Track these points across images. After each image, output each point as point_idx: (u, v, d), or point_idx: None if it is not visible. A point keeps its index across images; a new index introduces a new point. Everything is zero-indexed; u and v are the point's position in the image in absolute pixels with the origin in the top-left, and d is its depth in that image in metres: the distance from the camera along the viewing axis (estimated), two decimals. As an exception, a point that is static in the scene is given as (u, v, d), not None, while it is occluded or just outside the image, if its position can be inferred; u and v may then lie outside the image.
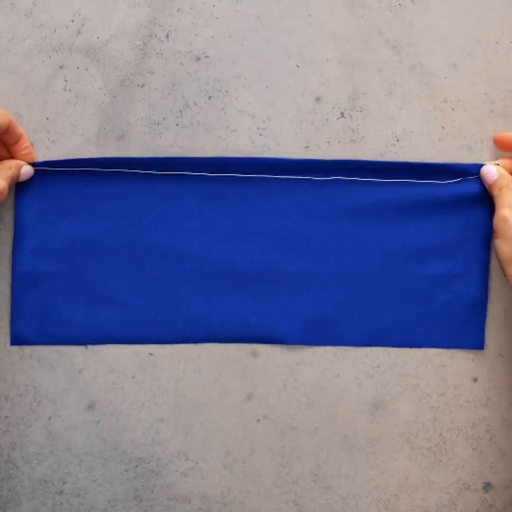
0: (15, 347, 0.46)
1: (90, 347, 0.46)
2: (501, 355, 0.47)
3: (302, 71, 0.46)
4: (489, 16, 0.46)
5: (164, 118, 0.46)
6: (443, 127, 0.46)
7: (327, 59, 0.46)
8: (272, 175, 0.46)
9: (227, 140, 0.46)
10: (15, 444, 0.46)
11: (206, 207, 0.46)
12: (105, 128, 0.45)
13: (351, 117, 0.46)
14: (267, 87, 0.46)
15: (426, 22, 0.46)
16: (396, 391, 0.47)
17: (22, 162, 0.44)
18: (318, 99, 0.46)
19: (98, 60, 0.45)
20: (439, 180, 0.45)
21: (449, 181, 0.45)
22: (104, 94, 0.45)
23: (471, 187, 0.45)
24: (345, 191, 0.46)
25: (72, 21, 0.45)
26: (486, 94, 0.46)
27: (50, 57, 0.45)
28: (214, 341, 0.46)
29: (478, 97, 0.46)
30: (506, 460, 0.47)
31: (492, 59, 0.46)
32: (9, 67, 0.45)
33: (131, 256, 0.46)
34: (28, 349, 0.46)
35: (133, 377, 0.46)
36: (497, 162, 0.45)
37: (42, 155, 0.45)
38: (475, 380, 0.47)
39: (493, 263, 0.47)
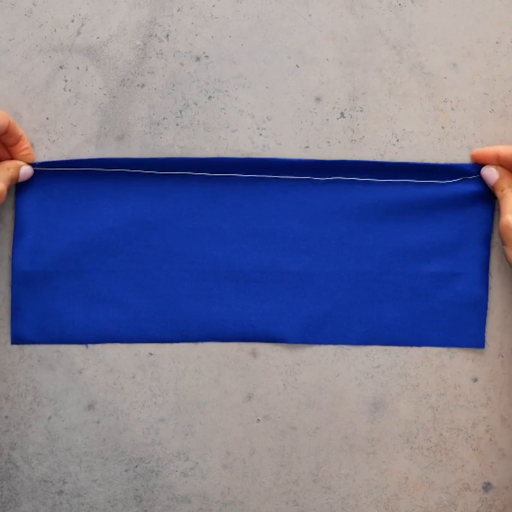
0: (15, 347, 0.46)
1: (90, 346, 0.46)
2: (501, 355, 0.47)
3: (302, 71, 0.46)
4: (489, 16, 0.46)
5: (164, 118, 0.46)
6: (443, 127, 0.46)
7: (327, 59, 0.46)
8: (272, 175, 0.46)
9: (227, 140, 0.46)
10: (15, 444, 0.46)
11: (206, 206, 0.46)
12: (105, 128, 0.45)
13: (351, 117, 0.46)
14: (267, 87, 0.46)
15: (426, 22, 0.46)
16: (396, 391, 0.47)
17: (21, 163, 0.44)
18: (318, 99, 0.46)
19: (98, 60, 0.45)
20: (439, 180, 0.45)
21: (449, 181, 0.45)
22: (104, 94, 0.45)
23: (471, 186, 0.45)
24: (345, 190, 0.46)
25: (72, 21, 0.45)
26: (486, 94, 0.46)
27: (50, 57, 0.45)
28: (214, 340, 0.46)
29: (478, 97, 0.46)
30: (506, 460, 0.47)
31: (492, 59, 0.46)
32: (9, 67, 0.45)
33: (131, 256, 0.46)
34: (28, 349, 0.46)
35: (133, 377, 0.46)
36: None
37: (42, 155, 0.45)
38: (475, 380, 0.47)
39: (493, 262, 0.47)
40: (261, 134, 0.46)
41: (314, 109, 0.46)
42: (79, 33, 0.45)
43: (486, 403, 0.47)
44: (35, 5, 0.45)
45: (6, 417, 0.46)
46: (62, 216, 0.45)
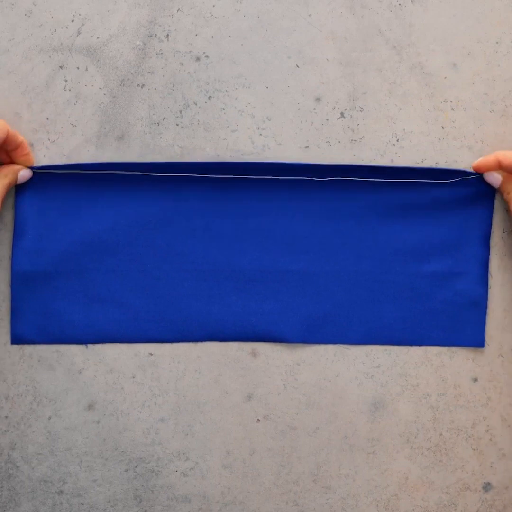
0: (15, 347, 0.46)
1: (90, 346, 0.46)
2: (501, 355, 0.47)
3: (302, 71, 0.46)
4: (489, 16, 0.46)
5: (164, 118, 0.46)
6: (443, 127, 0.46)
7: (327, 59, 0.46)
8: (271, 176, 0.46)
9: (227, 140, 0.46)
10: (15, 444, 0.46)
11: (206, 206, 0.46)
12: (105, 128, 0.45)
13: (351, 117, 0.46)
14: (267, 87, 0.46)
15: (426, 22, 0.46)
16: (396, 391, 0.47)
17: (19, 167, 0.44)
18: (318, 99, 0.46)
19: (98, 60, 0.45)
20: (438, 180, 0.45)
21: (449, 180, 0.45)
22: (104, 94, 0.45)
23: (471, 186, 0.45)
24: (345, 190, 0.46)
25: (72, 21, 0.45)
26: (486, 94, 0.46)
27: (50, 57, 0.45)
28: (214, 340, 0.46)
29: (478, 97, 0.46)
30: (506, 460, 0.47)
31: (492, 59, 0.46)
32: (9, 67, 0.45)
33: (131, 255, 0.46)
34: (28, 349, 0.46)
35: (133, 377, 0.46)
36: None
37: (42, 155, 0.45)
38: (475, 380, 0.47)
39: (493, 262, 0.47)
40: (261, 134, 0.46)
41: (314, 109, 0.46)
42: (79, 33, 0.45)
43: (486, 403, 0.47)
44: (35, 5, 0.45)
45: (6, 417, 0.46)
46: (62, 216, 0.45)
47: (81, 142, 0.45)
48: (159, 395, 0.47)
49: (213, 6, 0.45)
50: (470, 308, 0.46)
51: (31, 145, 0.45)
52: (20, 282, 0.45)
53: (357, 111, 0.46)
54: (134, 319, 0.46)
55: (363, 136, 0.46)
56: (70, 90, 0.45)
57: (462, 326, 0.46)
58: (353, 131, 0.46)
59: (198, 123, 0.46)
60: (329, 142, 0.46)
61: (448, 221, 0.46)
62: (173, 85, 0.45)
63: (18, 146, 0.43)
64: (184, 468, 0.47)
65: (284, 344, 0.47)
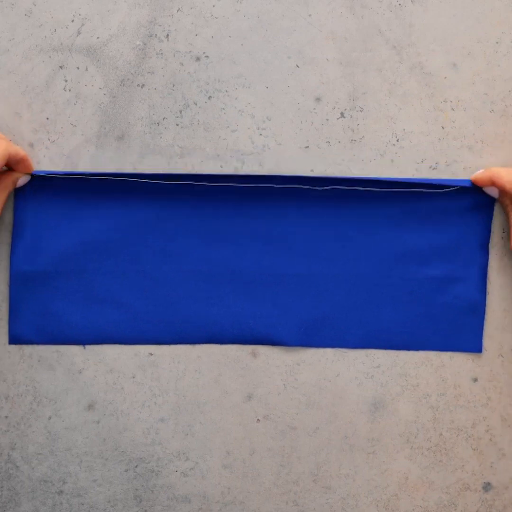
0: (15, 347, 0.46)
1: (90, 347, 0.46)
2: (501, 356, 0.47)
3: (302, 71, 0.46)
4: (489, 16, 0.46)
5: (164, 118, 0.46)
6: (443, 127, 0.46)
7: (327, 59, 0.46)
8: (271, 184, 0.45)
9: (227, 140, 0.46)
10: (15, 444, 0.46)
11: (205, 209, 0.46)
12: (105, 128, 0.45)
13: (351, 117, 0.46)
14: (267, 87, 0.46)
15: (426, 22, 0.46)
16: (396, 391, 0.47)
17: (18, 175, 0.44)
18: (318, 99, 0.46)
19: (98, 60, 0.45)
20: (438, 190, 0.45)
21: (447, 189, 0.45)
22: (104, 94, 0.45)
23: (470, 191, 0.45)
24: (344, 194, 0.46)
25: (72, 21, 0.45)
26: (486, 94, 0.46)
27: (50, 57, 0.45)
28: (213, 343, 0.46)
29: (478, 97, 0.46)
30: (506, 460, 0.47)
31: (492, 59, 0.46)
32: (9, 67, 0.45)
33: (130, 256, 0.46)
34: (28, 349, 0.46)
35: (133, 377, 0.46)
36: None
37: (42, 155, 0.45)
38: (475, 380, 0.47)
39: (493, 262, 0.47)
40: (261, 134, 0.46)
41: (314, 109, 0.46)
42: (79, 33, 0.45)
43: (486, 403, 0.47)
44: (35, 5, 0.45)
45: (6, 417, 0.46)
46: (61, 217, 0.45)
47: (81, 142, 0.45)
48: (159, 395, 0.47)
49: (213, 6, 0.45)
50: (468, 314, 0.46)
51: (31, 145, 0.45)
52: (19, 282, 0.45)
53: (357, 111, 0.46)
54: (133, 320, 0.46)
55: (363, 136, 0.46)
56: (70, 90, 0.45)
57: (460, 331, 0.46)
58: (353, 131, 0.46)
59: (198, 123, 0.46)
60: (329, 142, 0.46)
61: (447, 226, 0.46)
62: (173, 85, 0.45)
63: (19, 161, 0.43)
64: (184, 468, 0.47)
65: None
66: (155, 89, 0.45)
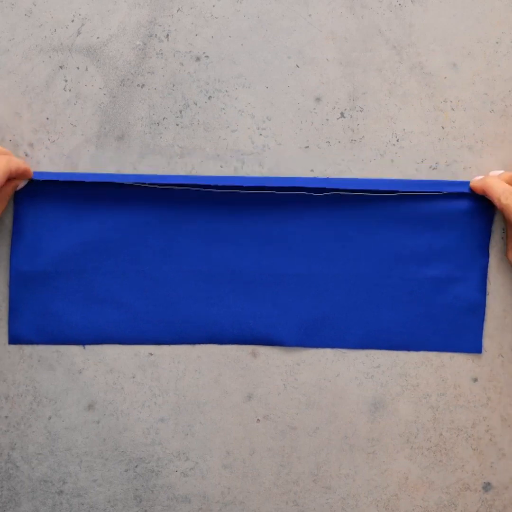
0: (15, 347, 0.46)
1: (90, 347, 0.46)
2: (501, 356, 0.47)
3: (302, 71, 0.46)
4: (489, 16, 0.46)
5: (164, 118, 0.46)
6: (443, 127, 0.46)
7: (327, 59, 0.46)
8: (271, 190, 0.45)
9: (227, 140, 0.46)
10: (15, 444, 0.46)
11: (205, 208, 0.46)
12: (105, 128, 0.45)
13: (351, 117, 0.46)
14: (267, 87, 0.46)
15: (426, 22, 0.46)
16: (396, 391, 0.47)
17: (17, 182, 0.44)
18: (318, 99, 0.46)
19: (98, 60, 0.45)
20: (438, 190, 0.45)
21: (447, 192, 0.45)
22: (104, 94, 0.45)
23: (470, 192, 0.45)
24: (344, 195, 0.46)
25: (72, 21, 0.45)
26: (486, 94, 0.46)
27: (50, 57, 0.45)
28: (213, 343, 0.46)
29: (478, 97, 0.46)
30: (506, 460, 0.47)
31: (492, 59, 0.46)
32: (9, 67, 0.45)
33: (130, 257, 0.46)
34: (28, 349, 0.46)
35: (133, 377, 0.46)
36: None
37: (42, 155, 0.45)
38: (475, 380, 0.47)
39: (493, 262, 0.47)
40: (261, 134, 0.46)
41: (314, 109, 0.46)
42: (79, 33, 0.45)
43: (486, 403, 0.47)
44: (35, 5, 0.45)
45: (6, 417, 0.46)
46: (61, 217, 0.45)
47: (81, 142, 0.45)
48: (159, 395, 0.47)
49: (213, 6, 0.45)
50: (468, 314, 0.46)
51: (31, 145, 0.45)
52: (19, 282, 0.45)
53: (357, 111, 0.46)
54: (133, 320, 0.46)
55: (363, 136, 0.46)
56: (70, 90, 0.45)
57: (460, 332, 0.46)
58: (353, 131, 0.46)
59: (198, 123, 0.46)
60: (329, 142, 0.46)
61: (447, 225, 0.46)
62: (173, 85, 0.45)
63: (20, 174, 0.43)
64: (184, 468, 0.47)
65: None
66: (155, 89, 0.45)
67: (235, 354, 0.47)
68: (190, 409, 0.47)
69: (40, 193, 0.45)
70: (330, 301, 0.46)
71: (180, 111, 0.46)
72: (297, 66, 0.46)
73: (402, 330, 0.46)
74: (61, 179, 0.44)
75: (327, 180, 0.45)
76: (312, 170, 0.46)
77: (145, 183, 0.45)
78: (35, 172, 0.44)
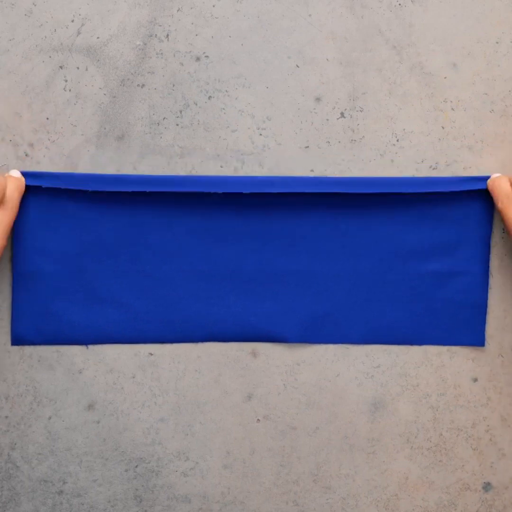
0: (15, 347, 0.46)
1: (90, 347, 0.46)
2: (501, 355, 0.47)
3: (302, 71, 0.46)
4: (489, 16, 0.46)
5: (164, 118, 0.46)
6: (443, 127, 0.46)
7: (327, 59, 0.46)
8: (271, 190, 0.45)
9: (227, 140, 0.46)
10: (15, 444, 0.46)
11: (205, 207, 0.46)
12: (105, 128, 0.45)
13: (351, 117, 0.46)
14: (267, 87, 0.46)
15: (426, 22, 0.46)
16: (396, 391, 0.47)
17: (21, 189, 0.43)
18: (318, 99, 0.46)
19: (98, 60, 0.45)
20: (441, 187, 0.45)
21: (449, 178, 0.45)
22: (104, 94, 0.45)
23: (471, 185, 0.45)
24: (345, 193, 0.46)
25: (72, 21, 0.45)
26: (486, 94, 0.46)
27: (50, 57, 0.45)
28: (214, 341, 0.46)
29: (478, 97, 0.46)
30: (506, 460, 0.47)
31: (492, 59, 0.46)
32: (9, 67, 0.45)
33: (130, 256, 0.46)
34: (28, 349, 0.46)
35: (133, 377, 0.46)
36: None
37: (42, 155, 0.45)
38: (475, 380, 0.47)
39: (493, 262, 0.47)
40: (261, 134, 0.46)
41: (314, 109, 0.46)
42: (79, 33, 0.45)
43: (486, 403, 0.47)
44: (35, 5, 0.45)
45: (6, 417, 0.46)
46: (62, 217, 0.45)
47: (81, 142, 0.45)
48: (159, 395, 0.47)
49: (213, 6, 0.45)
50: (470, 308, 0.46)
51: (31, 145, 0.45)
52: (21, 282, 0.45)
53: (357, 111, 0.46)
54: (134, 320, 0.46)
55: (363, 136, 0.46)
56: (70, 90, 0.45)
57: (463, 326, 0.46)
58: (353, 131, 0.46)
59: (198, 123, 0.46)
60: (329, 142, 0.46)
61: (448, 220, 0.46)
62: (173, 85, 0.45)
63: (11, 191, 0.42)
64: (184, 468, 0.47)
65: (284, 344, 0.47)
66: (155, 89, 0.45)
67: (235, 354, 0.47)
68: (190, 409, 0.47)
69: (41, 193, 0.45)
70: (331, 298, 0.46)
71: (180, 111, 0.46)
72: (297, 66, 0.46)
73: (404, 325, 0.46)
74: (61, 186, 0.44)
75: (327, 180, 0.45)
76: (312, 170, 0.46)
77: (144, 187, 0.44)
78: (35, 172, 0.44)
